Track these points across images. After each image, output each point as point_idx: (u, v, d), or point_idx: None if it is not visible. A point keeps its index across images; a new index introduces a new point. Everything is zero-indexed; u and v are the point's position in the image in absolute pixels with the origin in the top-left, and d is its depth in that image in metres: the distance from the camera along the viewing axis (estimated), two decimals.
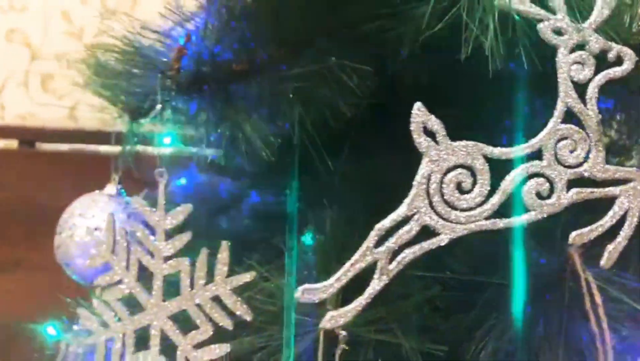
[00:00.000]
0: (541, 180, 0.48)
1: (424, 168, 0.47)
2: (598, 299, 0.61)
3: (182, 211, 0.62)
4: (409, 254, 0.47)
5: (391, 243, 0.47)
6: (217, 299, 0.60)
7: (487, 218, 0.48)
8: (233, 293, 0.59)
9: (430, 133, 0.47)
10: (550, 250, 0.64)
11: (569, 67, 0.48)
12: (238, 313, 0.59)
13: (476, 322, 0.60)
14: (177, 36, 0.62)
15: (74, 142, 1.48)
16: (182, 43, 0.60)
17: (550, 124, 0.48)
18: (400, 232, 0.47)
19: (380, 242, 0.47)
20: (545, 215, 0.49)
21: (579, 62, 0.48)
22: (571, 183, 0.48)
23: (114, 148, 0.79)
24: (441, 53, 0.59)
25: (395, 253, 0.47)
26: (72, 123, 1.58)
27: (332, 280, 0.47)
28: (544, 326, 0.64)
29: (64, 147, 1.48)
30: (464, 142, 0.47)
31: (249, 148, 0.60)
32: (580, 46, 0.48)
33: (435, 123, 0.46)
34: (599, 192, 0.49)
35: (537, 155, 0.48)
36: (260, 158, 0.61)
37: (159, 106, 0.61)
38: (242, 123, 0.60)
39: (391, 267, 0.47)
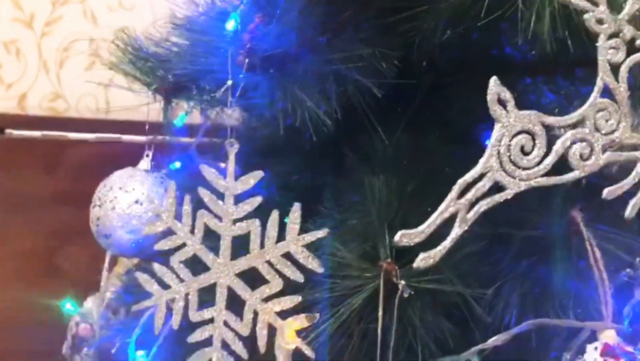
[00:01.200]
0: (583, 144, 0.58)
1: (496, 133, 0.56)
2: (598, 254, 0.73)
3: (252, 177, 0.68)
4: (482, 205, 0.56)
5: (469, 196, 0.56)
6: (287, 256, 0.66)
7: (542, 176, 0.58)
8: (305, 249, 0.66)
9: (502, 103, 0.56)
10: (557, 213, 0.75)
11: (607, 51, 0.58)
12: (310, 267, 0.66)
13: (508, 271, 0.70)
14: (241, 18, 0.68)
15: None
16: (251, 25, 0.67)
17: (591, 98, 0.58)
18: (477, 186, 0.56)
19: (461, 195, 0.56)
20: (586, 174, 0.59)
21: (614, 47, 0.58)
22: (605, 148, 0.59)
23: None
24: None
25: (472, 205, 0.56)
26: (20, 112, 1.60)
27: (423, 226, 0.55)
28: (557, 276, 0.75)
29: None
30: (527, 112, 0.57)
31: (311, 120, 0.67)
32: (615, 34, 0.58)
33: (507, 95, 0.55)
34: (625, 155, 0.59)
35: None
36: (321, 130, 0.68)
37: (229, 82, 0.67)
38: (302, 98, 0.67)
39: (469, 216, 0.56)
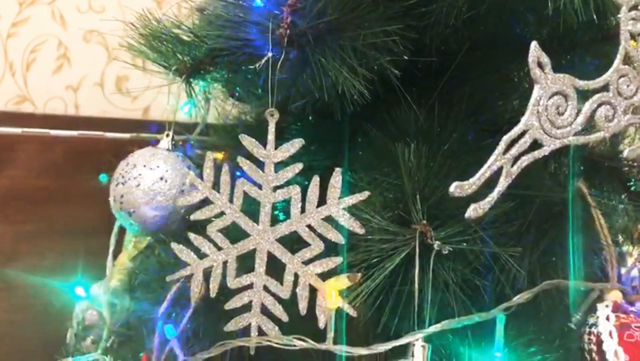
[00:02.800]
0: (608, 107, 0.64)
1: (536, 93, 0.61)
2: (602, 221, 0.78)
3: (292, 145, 0.71)
4: (524, 160, 0.61)
5: (513, 151, 0.61)
6: (329, 219, 0.69)
7: (574, 135, 0.63)
8: (346, 212, 0.69)
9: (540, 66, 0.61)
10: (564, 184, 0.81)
11: (628, 22, 0.64)
12: (351, 229, 0.69)
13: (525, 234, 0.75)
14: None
15: None
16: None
17: (614, 64, 0.64)
18: (519, 142, 0.61)
19: (506, 150, 0.60)
20: (609, 134, 0.64)
21: (634, 19, 0.64)
22: (627, 111, 0.65)
23: None
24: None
25: (515, 160, 0.61)
26: None
27: (474, 178, 0.59)
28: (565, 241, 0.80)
29: None
30: (561, 75, 0.62)
31: (347, 92, 0.71)
32: (635, 6, 0.64)
33: (545, 59, 0.60)
34: None
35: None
36: (356, 101, 0.71)
37: (270, 54, 0.70)
38: (340, 70, 0.71)
39: (513, 170, 0.60)
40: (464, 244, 0.70)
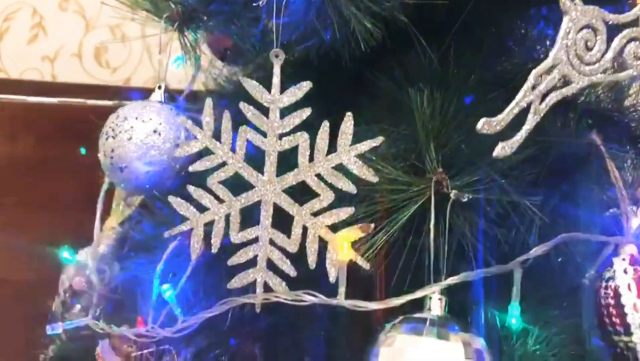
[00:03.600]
0: (637, 43, 0.60)
1: (565, 25, 0.57)
2: (617, 173, 0.75)
3: (299, 88, 0.66)
4: (553, 98, 0.57)
5: (541, 87, 0.57)
6: (339, 168, 0.65)
7: (602, 72, 0.59)
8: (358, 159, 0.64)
9: None
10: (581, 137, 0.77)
11: None
12: (364, 177, 0.65)
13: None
14: None
15: None
16: None
17: None
18: (547, 78, 0.57)
19: (534, 87, 0.56)
20: (638, 73, 0.61)
21: None
22: None
23: None
24: None
25: (543, 96, 0.57)
26: None
27: (502, 115, 0.55)
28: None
29: None
30: (591, 7, 0.58)
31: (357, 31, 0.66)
32: None
33: None
34: None
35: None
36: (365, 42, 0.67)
37: None
38: (352, 12, 0.66)
39: (542, 107, 0.57)
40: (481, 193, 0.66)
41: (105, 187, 0.94)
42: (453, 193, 0.65)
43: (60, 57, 1.54)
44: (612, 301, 0.69)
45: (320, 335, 0.81)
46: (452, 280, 0.65)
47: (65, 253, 0.94)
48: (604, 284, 0.70)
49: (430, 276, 0.65)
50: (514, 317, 0.68)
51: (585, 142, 0.76)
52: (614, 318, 0.65)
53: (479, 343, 0.61)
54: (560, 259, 0.76)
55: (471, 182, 0.67)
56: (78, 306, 0.97)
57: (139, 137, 0.76)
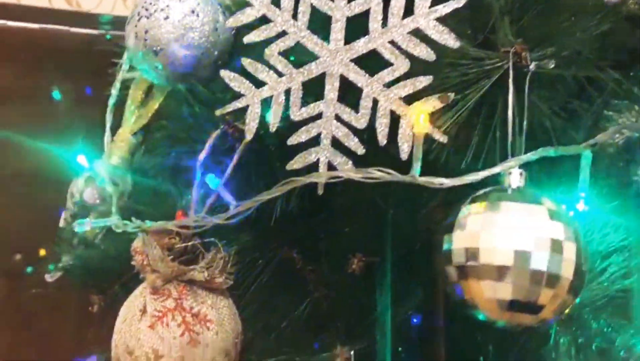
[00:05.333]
0: None
1: None
2: None
3: None
4: None
5: None
6: (416, 32, 0.60)
7: None
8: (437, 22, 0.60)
9: None
10: None
11: None
12: (444, 42, 0.60)
13: None
14: None
15: None
16: None
17: None
18: None
19: None
20: None
21: None
22: None
23: None
24: None
25: None
26: None
27: None
28: None
29: None
30: None
31: None
32: None
33: None
34: None
35: None
36: None
37: None
38: None
39: None
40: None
41: (113, 100, 0.87)
42: (534, 65, 0.62)
43: None
44: None
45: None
46: (529, 156, 0.61)
47: (80, 158, 0.87)
48: None
49: (507, 153, 0.62)
50: (581, 201, 0.65)
51: None
52: None
53: (564, 208, 0.58)
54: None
55: (551, 55, 0.63)
56: (89, 220, 0.90)
57: (176, 17, 0.70)
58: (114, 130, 0.89)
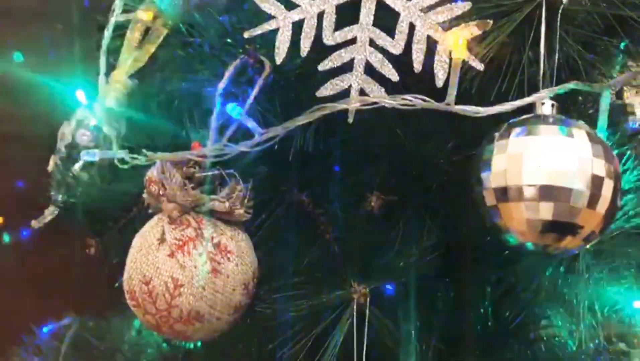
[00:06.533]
0: None
1: None
2: None
3: None
4: None
5: None
6: None
7: None
8: None
9: None
10: None
11: None
12: None
13: None
14: None
15: None
16: None
17: None
18: None
19: None
20: None
21: None
22: None
23: None
24: None
25: None
26: None
27: None
28: None
29: None
30: None
31: None
32: None
33: None
34: None
35: None
36: None
37: None
38: None
39: None
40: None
41: (106, 40, 0.84)
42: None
43: None
44: None
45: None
46: (561, 87, 0.62)
47: (79, 93, 0.83)
48: None
49: (539, 85, 0.62)
50: None
51: None
52: None
53: (606, 143, 0.59)
54: None
55: None
56: (81, 163, 0.86)
57: None
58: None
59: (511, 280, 0.77)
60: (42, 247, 0.98)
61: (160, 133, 0.77)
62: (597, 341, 0.77)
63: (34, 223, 0.87)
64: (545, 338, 0.81)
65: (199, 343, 0.83)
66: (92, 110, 0.83)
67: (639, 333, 0.82)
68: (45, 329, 1.00)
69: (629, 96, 0.87)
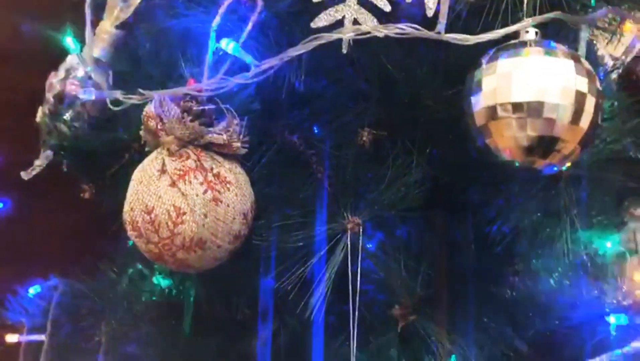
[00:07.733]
0: None
1: None
2: None
3: None
4: None
5: None
6: None
7: None
8: None
9: None
10: None
11: None
12: None
13: None
14: None
15: None
16: None
17: None
18: None
19: None
20: None
21: None
22: None
23: None
24: None
25: None
26: None
27: None
28: None
29: None
30: None
31: None
32: None
33: None
34: None
35: None
36: None
37: None
38: None
39: None
40: None
41: None
42: None
43: None
44: None
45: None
46: (544, 17, 0.65)
47: (69, 40, 0.84)
48: None
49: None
50: None
51: None
52: None
53: (587, 63, 0.62)
54: None
55: None
56: (69, 114, 0.87)
57: None
58: None
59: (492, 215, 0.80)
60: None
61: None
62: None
63: (24, 175, 0.87)
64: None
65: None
66: (81, 59, 0.84)
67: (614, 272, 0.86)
68: (31, 290, 1.01)
69: (599, 48, 0.91)
